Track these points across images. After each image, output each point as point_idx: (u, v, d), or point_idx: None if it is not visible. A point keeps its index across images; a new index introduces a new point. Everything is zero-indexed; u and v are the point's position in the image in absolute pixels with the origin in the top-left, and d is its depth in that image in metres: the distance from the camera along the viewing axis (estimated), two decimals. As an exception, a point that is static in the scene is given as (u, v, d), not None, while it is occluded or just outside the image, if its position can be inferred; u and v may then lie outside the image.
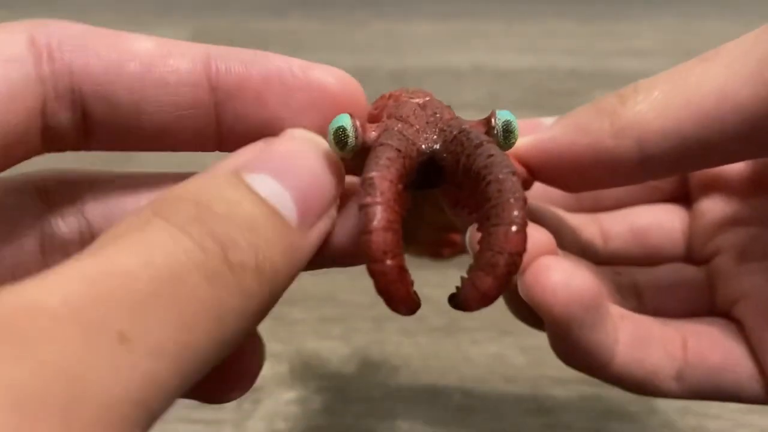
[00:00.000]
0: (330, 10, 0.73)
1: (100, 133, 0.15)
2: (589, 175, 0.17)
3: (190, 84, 0.15)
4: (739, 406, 0.33)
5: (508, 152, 0.15)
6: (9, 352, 0.10)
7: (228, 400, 0.16)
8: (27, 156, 0.15)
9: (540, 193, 0.20)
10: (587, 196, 0.22)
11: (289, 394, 0.33)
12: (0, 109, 0.14)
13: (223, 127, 0.15)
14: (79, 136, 0.15)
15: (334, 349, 0.35)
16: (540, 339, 0.36)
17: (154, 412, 0.11)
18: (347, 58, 0.62)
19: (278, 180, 0.13)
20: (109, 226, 0.13)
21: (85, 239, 0.16)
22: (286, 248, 0.13)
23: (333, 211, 0.14)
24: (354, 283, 0.38)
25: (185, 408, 0.32)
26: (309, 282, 0.41)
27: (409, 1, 0.76)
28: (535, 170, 0.18)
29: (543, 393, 0.33)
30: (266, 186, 0.13)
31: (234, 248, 0.12)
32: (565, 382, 0.34)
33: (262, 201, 0.13)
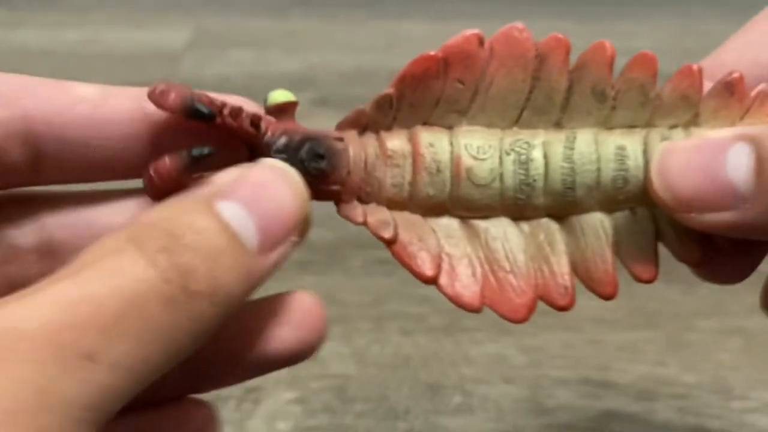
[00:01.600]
0: (330, 10, 0.73)
1: (51, 168, 0.17)
2: None
3: (132, 119, 0.17)
4: (740, 406, 0.33)
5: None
6: None
7: None
8: None
9: None
10: None
11: (289, 394, 0.33)
12: None
13: (159, 154, 0.17)
14: (30, 172, 0.17)
15: (334, 349, 0.35)
16: (540, 339, 0.36)
17: (109, 414, 0.13)
18: (347, 57, 0.62)
19: (246, 208, 0.15)
20: (70, 237, 0.17)
21: (42, 250, 0.17)
22: (242, 273, 0.15)
23: (294, 237, 0.16)
24: (354, 283, 0.38)
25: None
26: (309, 282, 0.41)
27: (409, 0, 0.76)
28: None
29: (543, 393, 0.33)
30: (233, 213, 0.15)
31: (194, 279, 0.14)
32: (565, 382, 0.34)
33: (226, 229, 0.15)
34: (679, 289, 0.38)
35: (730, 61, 0.18)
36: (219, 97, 0.17)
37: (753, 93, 0.18)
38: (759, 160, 0.16)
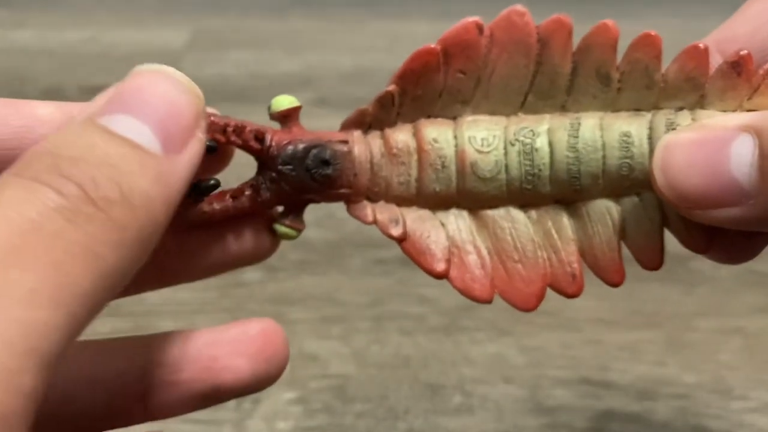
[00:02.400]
0: (330, 10, 0.73)
1: None
2: None
3: None
4: (740, 406, 0.33)
5: None
6: None
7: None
8: None
9: None
10: None
11: (289, 394, 0.33)
12: None
13: None
14: None
15: (333, 349, 0.35)
16: (539, 339, 0.36)
17: (50, 356, 0.11)
18: (347, 57, 0.62)
19: (133, 116, 0.14)
20: None
21: None
22: (155, 176, 0.13)
23: (200, 133, 0.15)
24: (354, 283, 0.38)
25: (185, 408, 0.32)
26: (309, 282, 0.41)
27: (410, 1, 0.76)
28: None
29: (543, 393, 0.33)
30: (122, 124, 0.14)
31: (94, 186, 0.13)
32: (564, 382, 0.34)
33: (119, 137, 0.13)
34: (679, 289, 0.38)
35: (741, 34, 0.18)
36: (220, 118, 0.17)
37: (761, 71, 0.17)
38: (762, 156, 0.15)
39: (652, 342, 0.36)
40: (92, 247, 0.12)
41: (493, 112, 0.18)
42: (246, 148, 0.17)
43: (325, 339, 0.36)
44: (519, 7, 0.17)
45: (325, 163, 0.17)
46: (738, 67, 0.17)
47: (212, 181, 0.17)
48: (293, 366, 0.35)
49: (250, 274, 0.38)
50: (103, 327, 0.37)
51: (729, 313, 0.37)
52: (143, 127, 0.14)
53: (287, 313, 0.36)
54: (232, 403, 0.32)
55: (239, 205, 0.17)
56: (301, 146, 0.17)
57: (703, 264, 0.37)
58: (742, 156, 0.16)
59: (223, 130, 0.17)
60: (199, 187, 0.17)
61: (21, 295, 0.11)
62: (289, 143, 0.17)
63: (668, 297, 0.38)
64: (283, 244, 0.19)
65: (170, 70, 0.15)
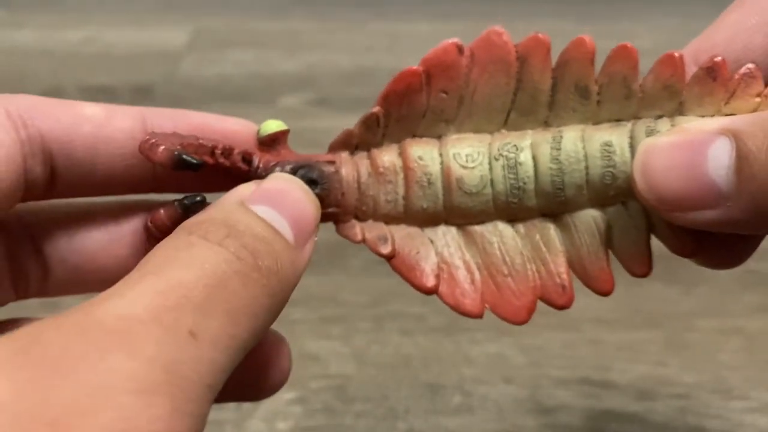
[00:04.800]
0: (330, 10, 0.73)
1: (62, 183, 0.18)
2: None
3: (133, 138, 0.18)
4: (739, 405, 0.33)
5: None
6: (122, 349, 0.13)
7: (268, 395, 0.20)
8: (9, 207, 0.18)
9: None
10: None
11: (290, 394, 0.33)
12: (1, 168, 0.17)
13: (158, 171, 0.18)
14: (46, 187, 0.18)
15: (334, 349, 0.35)
16: (540, 339, 0.36)
17: (216, 390, 0.14)
18: (347, 58, 0.62)
19: (275, 209, 0.16)
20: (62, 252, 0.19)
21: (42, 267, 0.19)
22: (290, 261, 0.16)
23: (315, 236, 0.17)
24: (354, 283, 0.38)
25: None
26: (309, 282, 0.41)
27: (410, 1, 0.76)
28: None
29: (543, 393, 0.33)
30: (268, 214, 0.16)
31: (261, 256, 0.15)
32: (564, 382, 0.34)
33: (269, 224, 0.16)
34: (679, 289, 0.38)
35: (719, 42, 0.18)
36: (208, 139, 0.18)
37: (736, 76, 0.17)
38: (739, 158, 0.16)
39: (652, 342, 0.36)
40: (254, 309, 0.15)
41: (477, 130, 0.18)
42: (234, 169, 0.18)
43: (325, 339, 0.36)
44: (498, 27, 0.18)
45: (313, 182, 0.18)
46: (713, 72, 0.17)
47: (198, 198, 0.18)
48: (293, 366, 0.35)
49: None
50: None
51: (729, 313, 0.37)
52: (283, 221, 0.16)
53: (288, 314, 0.36)
54: (231, 403, 0.33)
55: None
56: (288, 167, 0.18)
57: (703, 264, 0.37)
58: (719, 159, 0.16)
59: (212, 152, 0.17)
60: (185, 204, 0.17)
61: (211, 340, 0.14)
62: (276, 164, 0.18)
63: (668, 297, 0.38)
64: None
65: (300, 182, 0.18)
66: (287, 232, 0.16)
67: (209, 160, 0.17)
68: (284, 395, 0.33)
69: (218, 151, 0.18)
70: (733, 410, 0.32)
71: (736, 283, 0.38)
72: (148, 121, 0.18)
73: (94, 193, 0.19)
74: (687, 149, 0.16)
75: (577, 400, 0.33)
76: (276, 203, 0.16)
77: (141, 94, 0.57)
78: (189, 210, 0.17)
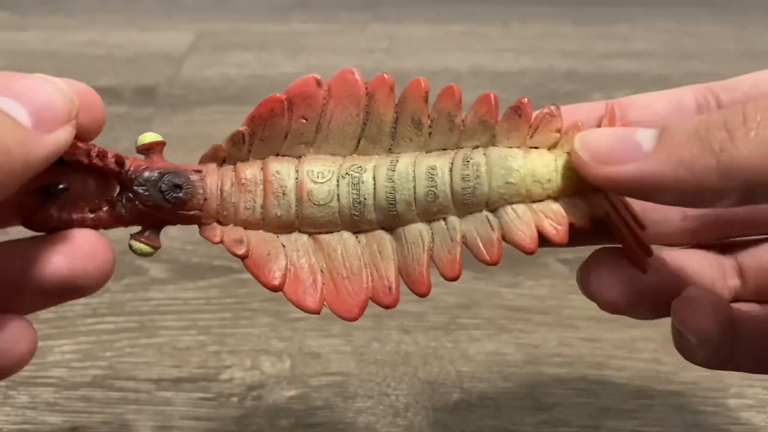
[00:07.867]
0: (330, 13, 0.74)
1: None
2: (689, 202, 0.19)
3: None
4: (736, 403, 0.33)
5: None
6: None
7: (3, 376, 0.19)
8: None
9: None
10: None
11: (291, 391, 0.33)
12: None
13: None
14: None
15: (334, 346, 0.36)
16: (537, 337, 0.37)
17: None
18: (347, 59, 0.62)
19: (14, 99, 0.17)
20: None
21: None
22: (18, 139, 0.17)
23: (69, 127, 0.18)
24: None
25: (188, 405, 0.33)
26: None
27: (409, 3, 0.76)
28: (633, 196, 0.19)
29: (541, 390, 0.33)
30: (6, 104, 0.17)
31: None
32: (562, 379, 0.34)
33: (2, 111, 0.17)
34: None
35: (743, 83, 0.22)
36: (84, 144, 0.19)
37: (536, 113, 0.20)
38: (663, 130, 0.18)
39: (648, 340, 0.36)
40: None
41: (332, 153, 0.21)
42: (107, 170, 0.19)
43: (326, 337, 0.36)
44: (351, 67, 0.20)
45: (178, 187, 0.20)
46: (519, 111, 0.20)
47: (61, 185, 0.19)
48: (294, 363, 0.35)
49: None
50: (107, 325, 0.37)
51: (725, 312, 0.37)
52: (20, 107, 0.17)
53: (289, 312, 0.37)
54: (234, 400, 0.33)
55: (97, 218, 0.19)
56: (156, 171, 0.20)
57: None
58: (646, 132, 0.19)
59: (88, 153, 0.19)
60: (49, 189, 0.19)
61: None
62: (146, 168, 0.20)
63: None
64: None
65: (56, 79, 0.18)
66: (24, 118, 0.17)
67: (85, 160, 0.19)
68: (286, 392, 0.33)
69: (94, 153, 0.19)
70: (730, 408, 0.33)
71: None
72: None
73: None
74: (621, 129, 0.19)
75: (575, 397, 0.33)
76: (15, 94, 0.17)
77: (144, 96, 0.58)
78: (52, 195, 0.19)
